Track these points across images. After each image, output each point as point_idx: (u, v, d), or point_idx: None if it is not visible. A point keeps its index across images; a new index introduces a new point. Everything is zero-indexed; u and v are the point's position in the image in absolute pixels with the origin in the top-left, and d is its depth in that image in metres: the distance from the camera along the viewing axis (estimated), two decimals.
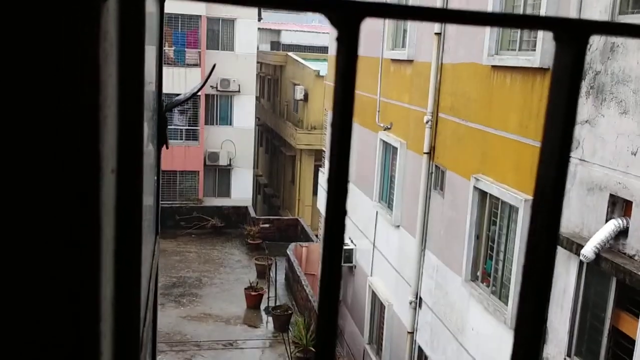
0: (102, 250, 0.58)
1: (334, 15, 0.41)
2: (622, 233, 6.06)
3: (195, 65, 24.56)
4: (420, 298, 10.93)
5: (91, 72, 0.51)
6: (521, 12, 8.12)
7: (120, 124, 0.70)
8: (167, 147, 1.64)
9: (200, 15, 24.54)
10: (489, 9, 8.54)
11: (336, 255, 0.45)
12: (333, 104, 0.43)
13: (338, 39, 0.41)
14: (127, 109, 0.72)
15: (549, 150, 0.47)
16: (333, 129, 0.43)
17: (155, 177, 1.56)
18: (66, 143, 0.52)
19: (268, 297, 17.05)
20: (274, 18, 40.67)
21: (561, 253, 6.91)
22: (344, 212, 0.43)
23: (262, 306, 17.20)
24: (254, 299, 17.17)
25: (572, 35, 0.45)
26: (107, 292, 0.65)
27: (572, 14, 6.82)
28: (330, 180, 0.43)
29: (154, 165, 1.48)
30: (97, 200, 0.54)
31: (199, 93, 24.23)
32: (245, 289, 17.46)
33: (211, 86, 24.80)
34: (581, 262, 6.51)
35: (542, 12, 7.32)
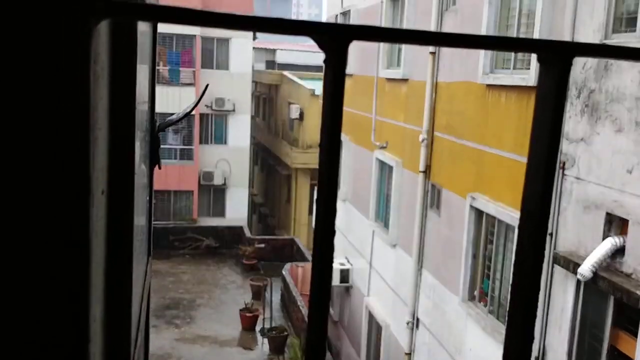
0: (92, 272, 0.58)
1: (321, 39, 0.42)
2: (619, 251, 6.04)
3: (190, 84, 24.63)
4: (418, 318, 10.85)
5: (81, 95, 0.52)
6: (515, 31, 8.18)
7: (112, 146, 0.70)
8: (159, 168, 1.61)
9: (195, 35, 24.67)
10: (483, 27, 8.61)
11: (326, 268, 0.46)
12: (322, 125, 0.44)
13: (325, 62, 0.43)
14: (119, 130, 0.72)
15: (535, 167, 0.48)
16: (321, 150, 0.44)
17: (148, 198, 1.53)
18: (55, 165, 0.52)
19: (263, 319, 16.90)
20: (269, 37, 40.98)
21: (558, 272, 6.87)
22: (332, 231, 0.45)
23: (258, 328, 17.03)
24: (249, 321, 17.01)
25: (556, 57, 0.47)
26: (97, 313, 0.65)
27: (566, 32, 6.87)
28: (319, 201, 0.44)
29: (146, 185, 1.45)
30: (87, 221, 0.54)
31: (193, 112, 24.27)
32: (240, 310, 17.30)
33: (206, 105, 24.85)
34: (578, 281, 6.48)
35: (536, 30, 7.38)
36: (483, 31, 8.62)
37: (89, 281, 0.56)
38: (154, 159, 1.55)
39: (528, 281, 0.47)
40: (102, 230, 0.64)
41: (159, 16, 0.46)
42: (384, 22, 12.45)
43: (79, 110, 0.52)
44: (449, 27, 9.89)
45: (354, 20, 14.56)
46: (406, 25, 11.37)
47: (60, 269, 0.54)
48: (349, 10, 14.80)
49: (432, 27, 10.14)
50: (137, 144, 1.16)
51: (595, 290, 6.36)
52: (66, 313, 0.56)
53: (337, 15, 15.78)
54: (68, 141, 0.52)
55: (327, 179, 0.43)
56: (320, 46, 0.42)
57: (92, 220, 0.56)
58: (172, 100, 23.08)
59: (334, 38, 0.42)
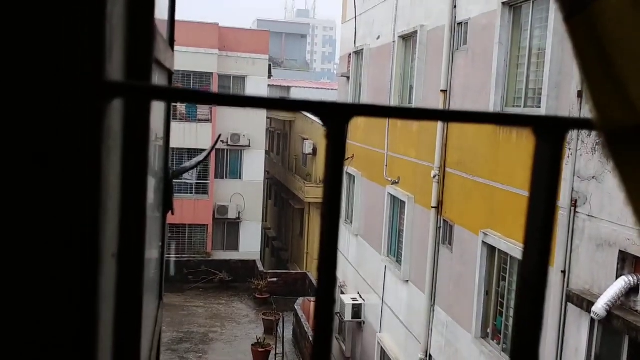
0: (100, 329, 0.58)
1: (324, 116, 0.46)
2: (633, 290, 5.98)
3: (207, 120, 24.96)
4: (430, 355, 10.71)
5: (92, 170, 0.53)
6: (525, 69, 8.27)
7: (123, 211, 0.71)
8: (172, 214, 1.68)
9: (212, 73, 25.11)
10: (494, 66, 8.72)
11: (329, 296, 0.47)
12: (323, 194, 0.46)
13: (326, 136, 0.46)
14: (130, 193, 0.74)
15: (531, 241, 0.48)
16: (323, 217, 0.46)
17: (160, 244, 1.59)
18: (65, 232, 0.53)
19: (275, 354, 16.74)
20: (284, 75, 41.54)
21: (572, 310, 6.80)
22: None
23: None
24: (261, 356, 16.86)
25: (550, 131, 0.48)
26: None
27: (576, 71, 6.95)
28: (319, 271, 0.48)
29: (159, 233, 1.51)
30: (96, 287, 0.55)
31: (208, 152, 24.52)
32: (252, 345, 17.17)
33: (222, 141, 25.12)
34: (592, 320, 6.40)
35: (546, 70, 7.46)
36: (494, 70, 8.73)
37: (97, 340, 0.56)
38: (167, 206, 1.62)
39: (530, 315, 0.47)
40: (111, 294, 0.66)
41: (169, 96, 0.49)
42: (396, 61, 12.62)
43: (90, 184, 0.53)
44: (460, 66, 10.01)
45: (366, 58, 14.76)
46: (417, 64, 11.52)
47: (68, 338, 0.54)
48: (362, 50, 15.02)
49: (443, 66, 10.27)
50: (152, 193, 1.21)
51: (609, 330, 6.28)
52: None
53: (350, 54, 16.01)
54: (78, 213, 0.53)
55: (328, 246, 0.46)
56: (323, 121, 0.46)
57: (101, 283, 0.56)
58: (189, 136, 23.40)
59: (335, 115, 0.45)
